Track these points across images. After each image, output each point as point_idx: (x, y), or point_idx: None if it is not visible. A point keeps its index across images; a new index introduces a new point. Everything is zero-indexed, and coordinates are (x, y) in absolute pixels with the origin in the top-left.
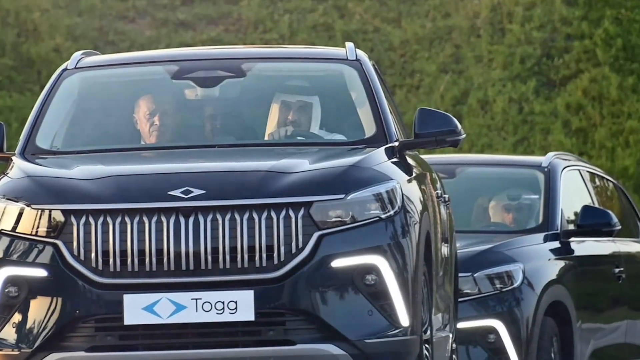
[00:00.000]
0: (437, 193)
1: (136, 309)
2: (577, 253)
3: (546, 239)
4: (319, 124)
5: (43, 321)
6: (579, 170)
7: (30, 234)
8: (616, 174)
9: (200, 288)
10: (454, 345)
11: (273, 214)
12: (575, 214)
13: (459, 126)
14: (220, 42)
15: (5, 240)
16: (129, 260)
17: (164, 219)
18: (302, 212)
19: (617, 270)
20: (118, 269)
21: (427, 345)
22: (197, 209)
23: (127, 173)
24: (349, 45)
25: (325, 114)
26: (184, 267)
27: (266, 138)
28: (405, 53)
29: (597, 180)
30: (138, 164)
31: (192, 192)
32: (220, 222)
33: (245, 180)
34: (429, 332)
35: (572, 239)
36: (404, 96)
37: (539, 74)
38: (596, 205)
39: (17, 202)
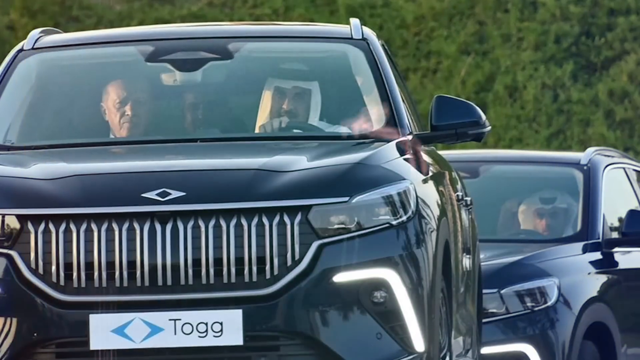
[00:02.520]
0: (457, 195)
1: (104, 332)
2: (621, 266)
3: (585, 249)
4: (318, 115)
5: None
6: (623, 168)
7: None
8: None
9: (179, 307)
10: None
11: (265, 220)
12: (620, 219)
13: (483, 117)
14: (203, 18)
15: None
16: (96, 274)
17: (136, 225)
18: (298, 217)
19: None
20: (83, 284)
21: None
22: (176, 214)
23: (94, 172)
24: (354, 21)
25: (327, 103)
26: (160, 283)
27: (257, 131)
28: (420, 31)
29: None
30: (106, 161)
31: (169, 194)
32: (202, 229)
33: (232, 180)
34: (447, 358)
35: (616, 249)
36: (418, 82)
37: (577, 55)
38: None
39: None
